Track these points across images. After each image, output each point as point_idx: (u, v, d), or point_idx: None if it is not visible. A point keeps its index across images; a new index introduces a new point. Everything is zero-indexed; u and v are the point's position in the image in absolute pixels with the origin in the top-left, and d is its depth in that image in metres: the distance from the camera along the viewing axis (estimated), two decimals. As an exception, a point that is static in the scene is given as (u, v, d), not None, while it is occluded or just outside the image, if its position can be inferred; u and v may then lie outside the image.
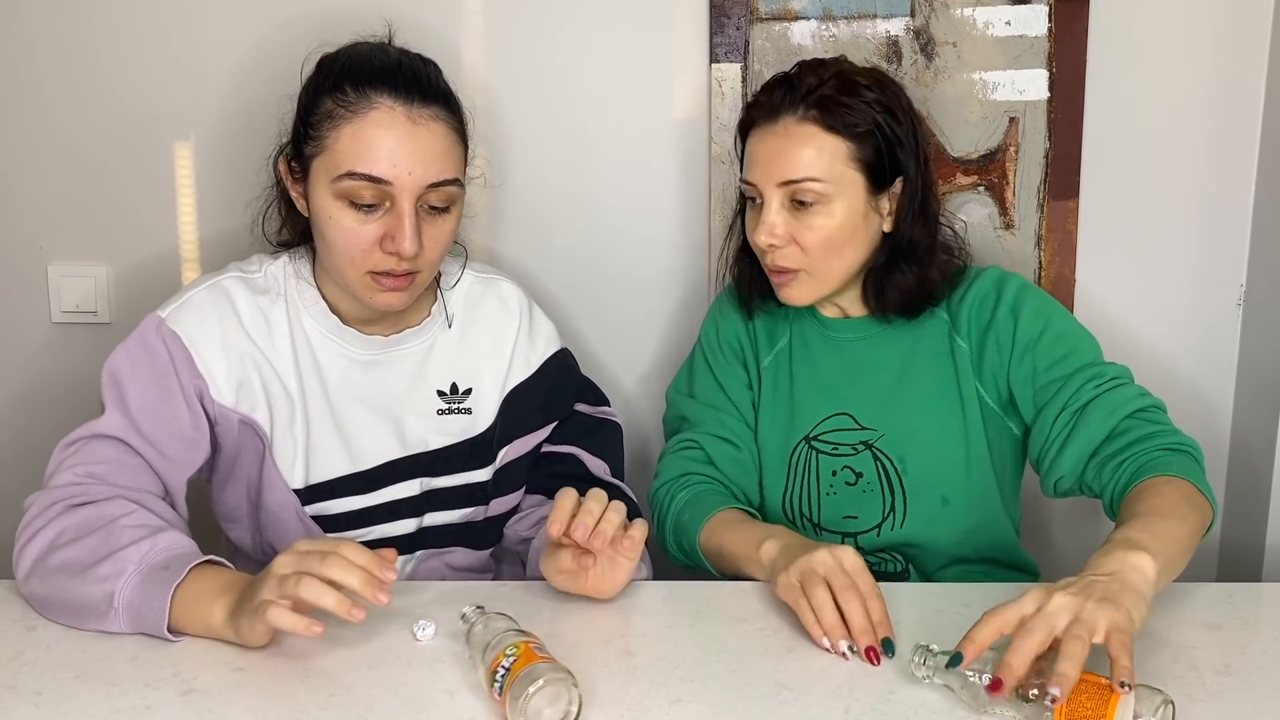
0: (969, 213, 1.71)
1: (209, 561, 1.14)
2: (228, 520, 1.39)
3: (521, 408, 1.41)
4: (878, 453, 1.38)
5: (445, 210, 1.27)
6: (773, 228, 1.33)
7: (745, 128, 1.39)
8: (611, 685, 1.04)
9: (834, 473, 1.40)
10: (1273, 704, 1.01)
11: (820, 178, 1.31)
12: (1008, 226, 1.70)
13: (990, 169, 1.69)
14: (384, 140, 1.21)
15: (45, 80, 1.72)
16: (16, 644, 1.13)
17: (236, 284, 1.32)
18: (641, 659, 1.10)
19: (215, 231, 1.75)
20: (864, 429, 1.39)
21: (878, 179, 1.34)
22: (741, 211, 1.45)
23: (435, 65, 1.30)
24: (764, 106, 1.35)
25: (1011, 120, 1.68)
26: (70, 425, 1.40)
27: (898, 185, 1.35)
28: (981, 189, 1.70)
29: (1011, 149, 1.68)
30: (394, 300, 1.27)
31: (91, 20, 1.70)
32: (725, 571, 1.32)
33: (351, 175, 1.21)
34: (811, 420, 1.42)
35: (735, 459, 1.44)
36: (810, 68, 1.36)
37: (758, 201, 1.36)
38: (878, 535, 1.38)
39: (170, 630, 1.10)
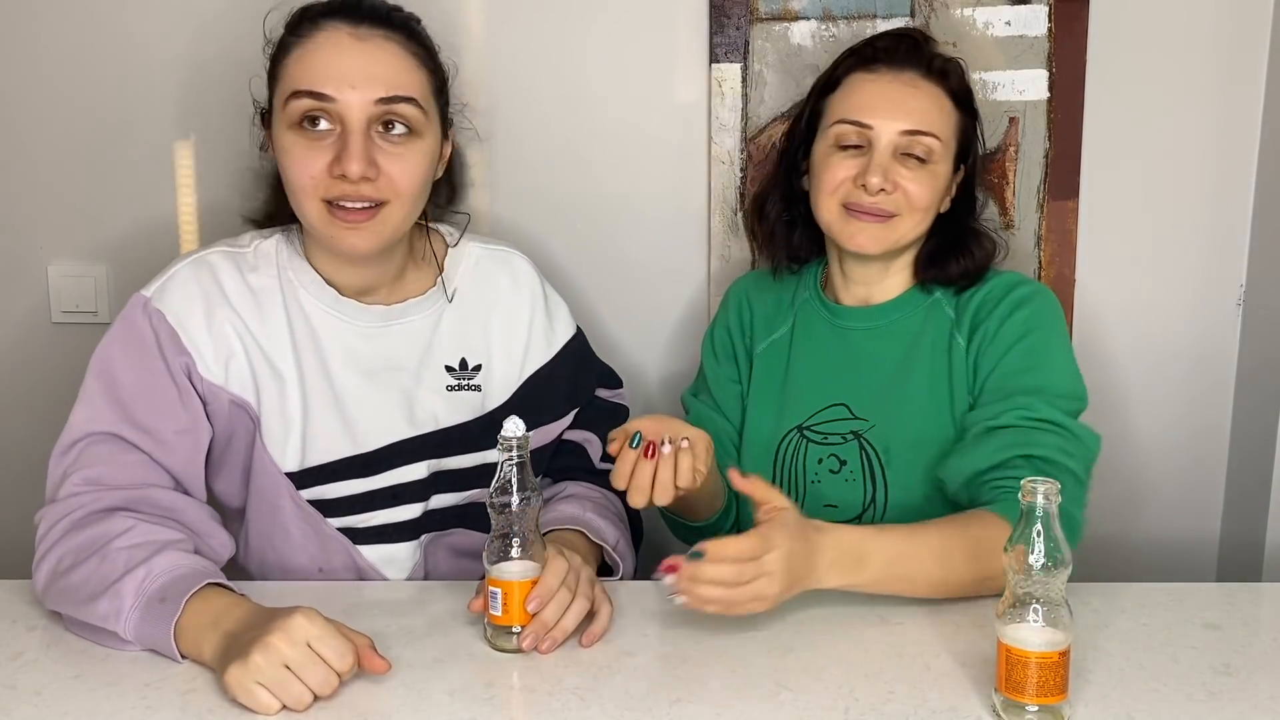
0: (969, 213, 1.71)
1: (210, 584, 1.10)
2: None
3: (544, 393, 1.39)
4: (865, 443, 1.38)
5: (407, 134, 1.22)
6: (885, 170, 1.33)
7: (848, 70, 1.39)
8: (611, 685, 1.05)
9: (819, 460, 1.40)
10: (1273, 704, 1.01)
11: (939, 135, 1.35)
12: (1008, 226, 1.70)
13: (990, 169, 1.69)
14: (327, 57, 1.20)
15: (45, 80, 1.72)
16: (16, 644, 1.14)
17: (223, 259, 1.29)
18: (641, 659, 1.10)
19: (215, 231, 1.75)
20: (856, 419, 1.39)
21: (960, 158, 1.40)
22: (785, 165, 1.47)
23: (411, 13, 1.28)
24: (890, 53, 1.38)
25: (1011, 120, 1.68)
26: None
27: (962, 169, 1.41)
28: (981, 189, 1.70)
29: (1011, 149, 1.68)
30: (357, 241, 1.21)
31: (91, 20, 1.70)
32: (695, 518, 1.40)
33: (296, 95, 1.19)
34: (806, 410, 1.42)
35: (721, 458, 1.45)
36: (924, 37, 1.41)
37: (855, 145, 1.36)
38: (859, 524, 1.37)
39: (185, 655, 1.08)
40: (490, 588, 1.11)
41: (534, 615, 1.10)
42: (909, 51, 1.37)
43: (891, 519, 1.36)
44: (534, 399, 1.38)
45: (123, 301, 1.75)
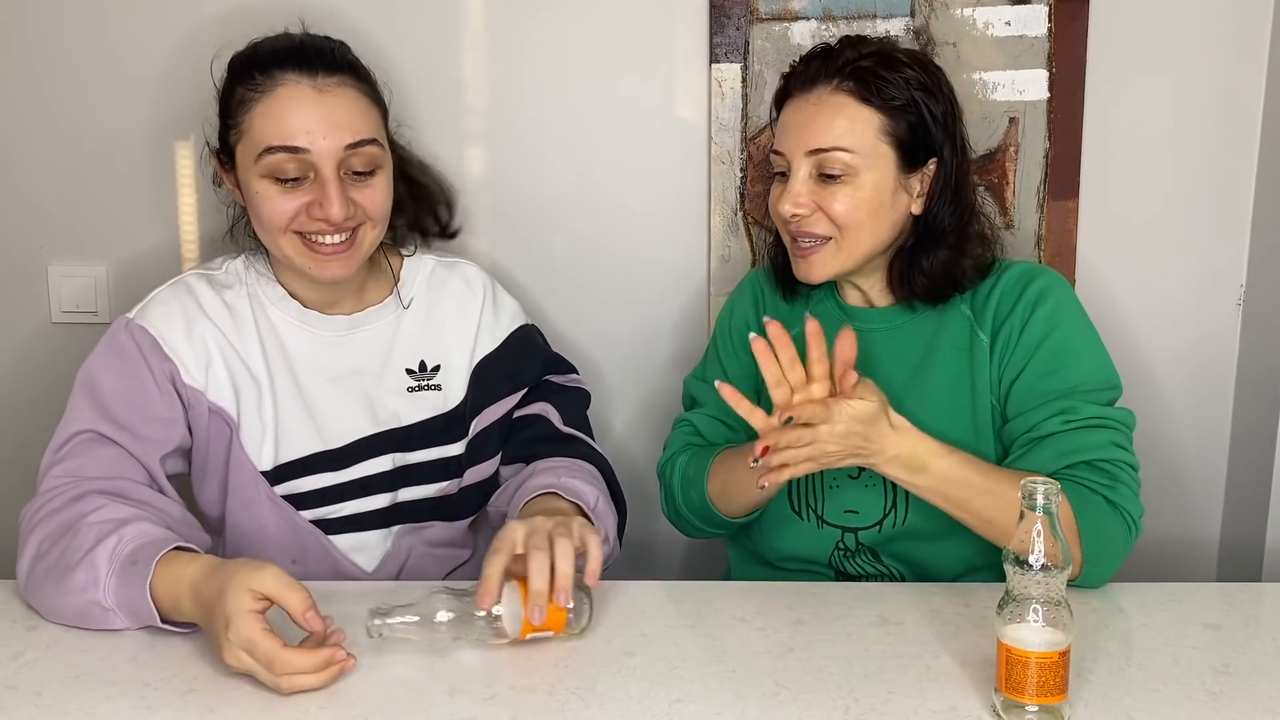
0: (969, 213, 1.70)
1: (178, 549, 1.14)
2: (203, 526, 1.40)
3: (490, 377, 1.45)
4: None
5: (370, 173, 1.31)
6: (797, 196, 1.32)
7: (781, 98, 1.39)
8: (611, 685, 1.05)
9: None
10: (1273, 704, 1.01)
11: (850, 148, 1.30)
12: (1008, 226, 1.70)
13: (990, 169, 1.69)
14: (294, 111, 1.26)
15: (45, 80, 1.72)
16: (16, 644, 1.14)
17: (199, 280, 1.38)
18: (641, 659, 1.10)
19: (215, 231, 1.74)
20: None
21: (910, 156, 1.33)
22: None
23: (343, 44, 1.35)
24: (800, 76, 1.35)
25: (1011, 120, 1.68)
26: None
27: (931, 166, 1.35)
28: (981, 189, 1.70)
29: (1011, 149, 1.68)
30: (337, 269, 1.31)
31: (91, 19, 1.70)
32: (733, 509, 1.37)
33: (270, 150, 1.26)
34: None
35: (729, 438, 1.45)
36: (851, 42, 1.36)
37: (785, 174, 1.35)
38: (879, 531, 1.37)
39: (166, 620, 1.12)
40: (523, 638, 1.11)
41: (535, 626, 1.10)
42: (817, 68, 1.34)
43: (914, 524, 1.35)
44: (482, 381, 1.44)
45: (123, 301, 1.76)
